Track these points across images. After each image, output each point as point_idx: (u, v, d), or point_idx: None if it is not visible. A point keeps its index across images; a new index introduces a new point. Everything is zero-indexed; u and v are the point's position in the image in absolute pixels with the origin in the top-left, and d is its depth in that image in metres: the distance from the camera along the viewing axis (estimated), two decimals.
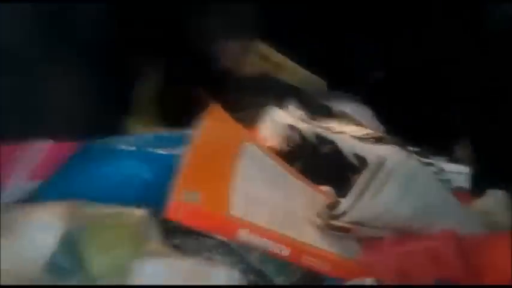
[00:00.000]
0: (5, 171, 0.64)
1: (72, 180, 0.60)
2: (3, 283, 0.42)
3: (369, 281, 0.49)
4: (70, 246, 0.44)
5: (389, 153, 0.61)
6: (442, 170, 0.67)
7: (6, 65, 0.75)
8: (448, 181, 0.66)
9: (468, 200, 0.62)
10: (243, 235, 0.50)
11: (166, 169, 0.58)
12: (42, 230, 0.44)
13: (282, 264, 0.51)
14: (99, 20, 1.04)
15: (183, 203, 0.50)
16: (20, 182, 0.62)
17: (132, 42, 1.09)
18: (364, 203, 0.52)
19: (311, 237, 0.53)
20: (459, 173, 0.67)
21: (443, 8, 0.85)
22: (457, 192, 0.60)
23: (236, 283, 0.44)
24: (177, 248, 0.50)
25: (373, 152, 0.64)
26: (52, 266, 0.43)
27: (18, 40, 0.79)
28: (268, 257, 0.50)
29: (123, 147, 0.62)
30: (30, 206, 0.49)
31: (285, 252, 0.51)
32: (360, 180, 0.54)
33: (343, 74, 1.09)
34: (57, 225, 0.45)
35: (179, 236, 0.51)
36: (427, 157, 0.69)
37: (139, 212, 0.49)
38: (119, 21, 1.06)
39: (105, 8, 1.00)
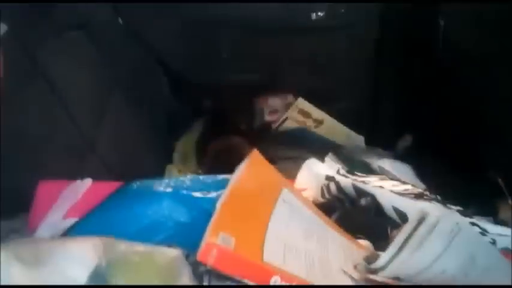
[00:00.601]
0: (45, 207, 0.65)
1: (108, 218, 0.60)
2: None
3: None
4: (100, 280, 0.44)
5: (431, 208, 0.59)
6: (485, 231, 0.64)
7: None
8: (492, 242, 0.62)
9: None
10: (276, 283, 0.49)
11: (202, 212, 0.58)
12: (74, 263, 0.44)
13: None
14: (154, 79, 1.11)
15: (216, 245, 0.49)
16: (58, 218, 0.63)
17: (179, 96, 1.14)
18: (404, 258, 0.49)
19: None
20: (503, 235, 0.64)
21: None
22: (502, 252, 0.56)
23: None
24: None
25: (413, 206, 0.62)
26: None
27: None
28: None
29: (161, 188, 0.62)
30: (64, 239, 0.49)
31: None
32: (400, 235, 0.52)
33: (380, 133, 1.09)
34: (88, 259, 0.44)
35: (210, 279, 0.49)
36: (470, 217, 0.66)
37: (171, 252, 0.49)
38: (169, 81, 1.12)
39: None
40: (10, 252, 0.44)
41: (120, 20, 1.00)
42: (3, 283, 0.43)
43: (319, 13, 0.95)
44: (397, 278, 0.50)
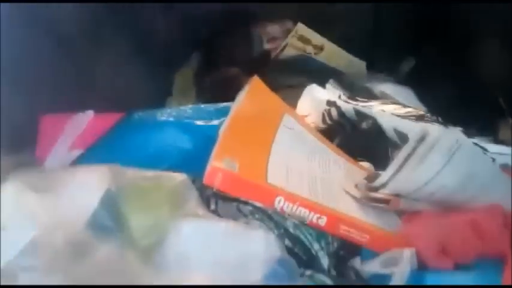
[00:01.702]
0: (50, 141, 0.66)
1: (112, 148, 0.61)
2: (46, 241, 0.44)
3: (407, 253, 0.48)
4: (111, 205, 0.45)
5: (432, 127, 0.60)
6: (485, 150, 0.65)
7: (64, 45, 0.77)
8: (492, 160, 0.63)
9: None
10: (280, 203, 0.50)
11: (205, 139, 0.58)
12: (85, 189, 0.45)
13: (319, 232, 0.50)
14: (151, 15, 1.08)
15: (221, 169, 0.50)
16: (64, 151, 0.64)
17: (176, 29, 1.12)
18: (405, 174, 0.50)
19: (349, 208, 0.53)
20: (503, 153, 0.65)
21: None
22: (501, 169, 0.58)
23: (273, 246, 0.44)
24: (214, 213, 0.50)
25: (414, 128, 0.62)
26: (93, 224, 0.44)
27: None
28: (306, 225, 0.50)
29: (163, 118, 0.63)
30: (73, 168, 0.51)
31: (322, 221, 0.50)
32: (401, 153, 0.52)
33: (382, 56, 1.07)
34: (98, 186, 0.46)
35: (216, 202, 0.51)
36: (470, 137, 0.67)
37: (178, 176, 0.50)
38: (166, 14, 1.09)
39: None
40: (21, 181, 0.45)
41: None
42: (15, 211, 0.44)
43: None
44: (398, 195, 0.52)
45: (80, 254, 0.43)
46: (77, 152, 0.63)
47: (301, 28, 1.01)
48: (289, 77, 0.95)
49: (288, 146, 0.58)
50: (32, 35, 0.74)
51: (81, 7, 0.84)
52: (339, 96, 0.75)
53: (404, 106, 0.75)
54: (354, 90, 0.91)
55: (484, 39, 0.85)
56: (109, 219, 0.45)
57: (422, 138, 0.51)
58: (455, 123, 0.69)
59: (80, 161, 0.61)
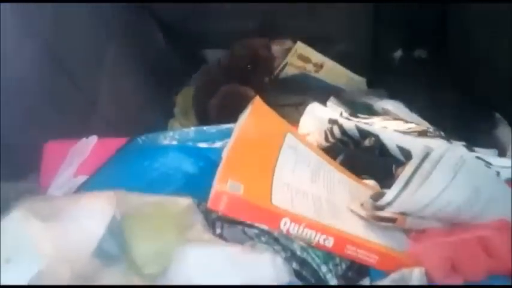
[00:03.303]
0: (53, 167, 0.66)
1: (117, 174, 0.61)
2: (53, 268, 0.43)
3: (416, 272, 0.47)
4: (117, 233, 0.45)
5: (435, 143, 0.60)
6: (489, 164, 0.65)
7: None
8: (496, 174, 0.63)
9: None
10: (286, 225, 0.50)
11: (209, 162, 0.59)
12: (90, 216, 0.45)
13: (327, 254, 0.50)
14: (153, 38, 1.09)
15: (225, 192, 0.50)
16: (69, 176, 0.64)
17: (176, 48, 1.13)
18: (410, 192, 0.50)
19: (356, 228, 0.52)
20: (507, 167, 0.65)
21: None
22: (507, 182, 0.57)
23: (280, 269, 0.43)
24: (220, 237, 0.50)
25: (417, 144, 0.62)
26: (100, 252, 0.44)
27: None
28: (313, 246, 0.50)
29: (166, 142, 0.63)
30: (78, 194, 0.50)
31: (329, 242, 0.50)
32: (406, 170, 0.52)
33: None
34: (104, 213, 0.45)
35: (222, 226, 0.51)
36: (473, 150, 0.67)
37: (182, 201, 0.50)
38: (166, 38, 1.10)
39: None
40: (26, 209, 0.45)
41: None
42: (21, 240, 0.44)
43: None
44: (404, 213, 0.51)
45: (86, 283, 0.42)
46: (81, 178, 0.63)
47: (301, 47, 1.02)
48: (290, 95, 0.95)
49: (292, 166, 0.58)
50: (36, 61, 0.75)
51: (83, 32, 0.85)
52: (341, 114, 0.75)
53: (406, 122, 0.75)
54: (355, 106, 0.91)
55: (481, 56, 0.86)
56: (115, 246, 0.44)
57: (426, 155, 0.51)
58: (455, 136, 0.70)
59: (84, 187, 0.61)
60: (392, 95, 0.97)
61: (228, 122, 0.65)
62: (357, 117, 0.75)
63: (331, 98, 0.87)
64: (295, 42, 1.04)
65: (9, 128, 0.67)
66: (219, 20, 1.03)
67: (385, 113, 0.87)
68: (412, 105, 0.89)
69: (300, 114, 0.76)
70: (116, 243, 0.45)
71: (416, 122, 0.78)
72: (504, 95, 0.80)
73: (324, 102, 0.83)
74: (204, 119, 1.00)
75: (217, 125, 0.67)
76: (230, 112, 0.68)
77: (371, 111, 0.88)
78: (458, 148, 0.57)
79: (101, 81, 0.85)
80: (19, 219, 0.45)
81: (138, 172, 0.59)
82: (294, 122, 0.74)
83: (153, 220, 0.48)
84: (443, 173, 0.49)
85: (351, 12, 1.03)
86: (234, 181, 0.51)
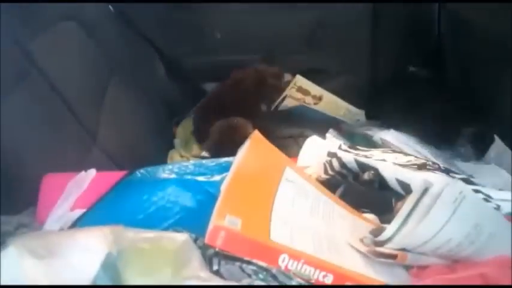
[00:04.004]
0: (50, 200, 0.66)
1: (114, 208, 0.61)
2: None
3: None
4: (112, 269, 0.44)
5: (435, 178, 0.59)
6: (489, 197, 0.64)
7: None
8: (496, 208, 0.63)
9: None
10: (284, 261, 0.49)
11: (207, 196, 0.58)
12: (85, 253, 0.45)
13: None
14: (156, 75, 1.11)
15: (223, 227, 0.49)
16: (65, 210, 0.64)
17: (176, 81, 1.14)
18: (410, 229, 0.50)
19: (355, 263, 0.51)
20: (507, 200, 0.64)
21: None
22: (507, 218, 0.57)
23: None
24: (217, 274, 0.49)
25: (416, 178, 0.62)
26: None
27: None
28: (311, 283, 0.49)
29: (165, 175, 0.63)
30: (73, 230, 0.50)
31: (328, 279, 0.49)
32: (405, 206, 0.52)
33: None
34: (99, 249, 0.45)
35: (219, 262, 0.50)
36: (473, 184, 0.67)
37: (179, 237, 0.49)
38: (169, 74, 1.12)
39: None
40: (22, 246, 0.44)
41: (111, 8, 0.99)
42: (17, 277, 0.43)
43: None
44: (404, 249, 0.51)
45: None
46: (78, 212, 0.63)
47: (300, 80, 1.03)
48: (290, 127, 0.96)
49: (291, 201, 0.58)
50: (36, 92, 0.75)
51: (85, 64, 0.86)
52: (340, 146, 0.75)
53: (406, 154, 0.75)
54: (353, 138, 0.92)
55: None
56: (110, 282, 0.44)
57: (425, 190, 0.51)
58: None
59: (81, 220, 0.60)
60: (391, 125, 0.98)
61: (227, 155, 0.66)
62: (356, 149, 0.76)
63: (330, 130, 0.88)
64: (294, 74, 1.05)
65: (9, 160, 0.67)
66: (219, 54, 1.04)
67: (384, 145, 0.87)
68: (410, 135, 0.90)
69: (300, 146, 0.76)
70: (110, 280, 0.44)
71: (415, 154, 0.79)
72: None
73: (323, 134, 0.84)
74: (206, 148, 1.00)
75: (217, 154, 0.67)
76: (228, 147, 0.68)
77: (370, 143, 0.89)
78: (457, 183, 0.57)
79: (100, 113, 0.86)
80: (15, 256, 0.44)
81: (135, 206, 0.58)
82: (294, 154, 0.74)
83: (149, 257, 0.47)
84: (443, 209, 0.49)
85: (349, 45, 1.05)
86: (232, 216, 0.51)
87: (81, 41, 0.88)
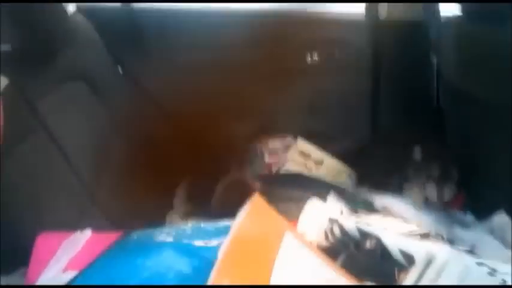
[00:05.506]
0: (44, 260, 0.64)
1: (108, 271, 0.59)
2: None
3: None
4: None
5: (438, 250, 0.58)
6: (494, 271, 0.63)
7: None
8: (502, 282, 0.61)
9: None
10: None
11: (204, 262, 0.56)
12: None
13: None
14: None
15: None
16: (57, 271, 0.62)
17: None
18: None
19: None
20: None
21: None
22: None
23: None
24: None
25: (420, 248, 0.60)
26: None
27: None
28: None
29: (161, 238, 0.62)
30: None
31: None
32: (408, 279, 0.50)
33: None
34: None
35: None
36: (478, 256, 0.65)
37: None
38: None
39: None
40: None
41: (120, 69, 1.02)
42: None
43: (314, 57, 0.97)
44: None
45: None
46: (70, 273, 0.61)
47: (301, 144, 1.04)
48: (290, 191, 0.95)
49: (290, 268, 0.56)
50: (36, 151, 0.75)
51: (85, 121, 0.87)
52: (341, 212, 0.74)
53: (408, 223, 0.74)
54: (355, 203, 0.90)
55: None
56: None
57: (429, 263, 0.50)
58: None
59: (73, 283, 0.58)
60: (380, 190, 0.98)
61: (229, 214, 0.64)
62: (357, 214, 0.74)
63: (331, 195, 0.87)
64: (295, 138, 1.06)
65: (4, 218, 0.66)
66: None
67: (385, 211, 0.86)
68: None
69: (300, 210, 0.75)
70: None
71: (418, 222, 0.77)
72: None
73: (324, 199, 0.83)
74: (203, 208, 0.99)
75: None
76: (231, 205, 0.67)
77: (371, 208, 0.87)
78: (461, 255, 0.55)
79: (100, 172, 0.86)
80: None
81: (129, 270, 0.56)
82: (294, 218, 0.73)
83: None
84: (447, 283, 0.47)
85: (350, 110, 1.06)
86: (230, 282, 0.49)
87: (87, 99, 0.89)
